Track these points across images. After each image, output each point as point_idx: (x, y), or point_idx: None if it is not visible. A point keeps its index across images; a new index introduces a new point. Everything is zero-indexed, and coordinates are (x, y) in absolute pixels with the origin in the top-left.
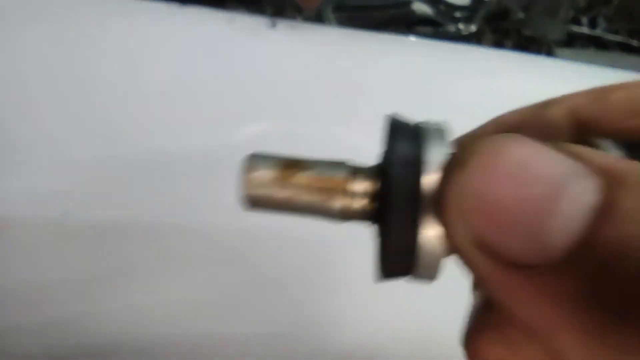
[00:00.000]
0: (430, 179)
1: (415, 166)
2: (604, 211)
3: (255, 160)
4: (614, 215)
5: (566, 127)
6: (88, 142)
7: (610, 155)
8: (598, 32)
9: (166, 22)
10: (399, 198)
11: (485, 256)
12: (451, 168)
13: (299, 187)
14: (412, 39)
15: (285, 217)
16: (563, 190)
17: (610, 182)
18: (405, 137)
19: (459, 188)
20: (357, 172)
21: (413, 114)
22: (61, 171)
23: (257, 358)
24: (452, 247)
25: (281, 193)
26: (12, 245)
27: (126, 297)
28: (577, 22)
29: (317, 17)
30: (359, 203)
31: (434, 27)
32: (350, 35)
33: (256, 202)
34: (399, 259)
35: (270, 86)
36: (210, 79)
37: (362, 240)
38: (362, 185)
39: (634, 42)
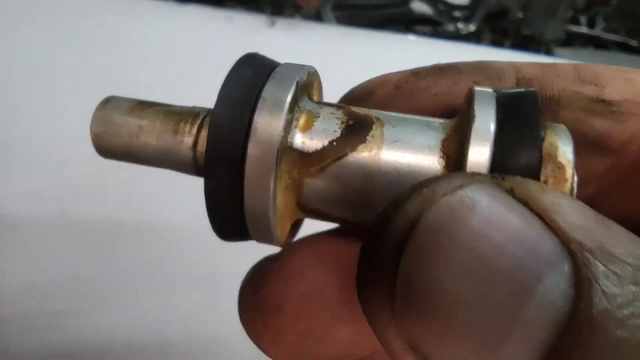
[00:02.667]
0: (261, 125)
1: (240, 107)
2: (575, 319)
3: (109, 99)
4: (586, 326)
5: (510, 76)
6: (86, 142)
7: (579, 214)
8: (597, 31)
9: (165, 21)
10: (214, 144)
11: None
12: (385, 236)
13: (148, 124)
14: (411, 37)
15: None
16: (532, 290)
17: (582, 273)
18: (245, 76)
19: (401, 274)
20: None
21: None
22: (59, 170)
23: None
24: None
25: (128, 130)
26: (10, 244)
27: (124, 296)
28: (576, 21)
29: (316, 16)
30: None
31: (432, 26)
32: (349, 33)
33: (104, 141)
34: (221, 215)
35: None
36: (209, 77)
37: None
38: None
39: (633, 42)
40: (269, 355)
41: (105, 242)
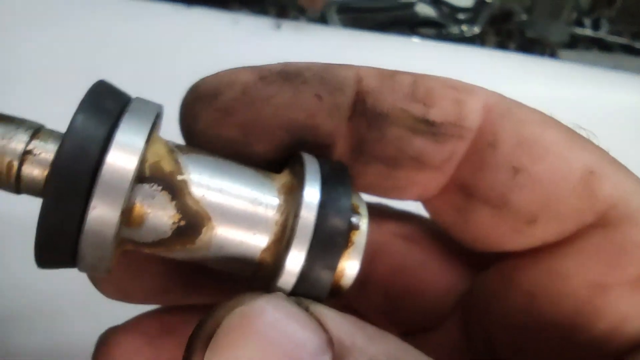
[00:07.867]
0: (111, 164)
1: (91, 146)
2: None
3: None
4: None
5: (351, 89)
6: None
7: (345, 320)
8: (601, 33)
9: (171, 23)
10: (58, 172)
11: None
12: (196, 336)
13: None
14: (416, 40)
15: None
16: None
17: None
18: (99, 109)
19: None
20: (39, 134)
21: None
22: None
23: None
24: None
25: None
26: (12, 244)
27: None
28: (580, 24)
29: (321, 19)
30: (31, 170)
31: (437, 29)
32: (354, 36)
33: None
34: (53, 242)
35: None
36: None
37: None
38: (40, 150)
39: (637, 44)
40: None
41: None
